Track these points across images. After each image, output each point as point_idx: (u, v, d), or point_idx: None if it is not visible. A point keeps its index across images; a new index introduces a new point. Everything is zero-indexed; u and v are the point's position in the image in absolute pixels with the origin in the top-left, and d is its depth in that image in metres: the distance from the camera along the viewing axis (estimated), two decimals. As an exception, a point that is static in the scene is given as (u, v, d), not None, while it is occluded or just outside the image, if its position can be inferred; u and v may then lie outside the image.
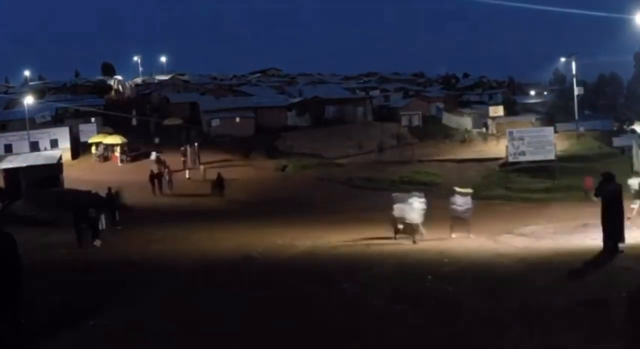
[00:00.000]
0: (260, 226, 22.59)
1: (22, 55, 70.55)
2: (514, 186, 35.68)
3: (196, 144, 45.37)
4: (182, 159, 42.26)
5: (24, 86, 72.63)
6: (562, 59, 58.72)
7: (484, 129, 59.43)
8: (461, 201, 19.02)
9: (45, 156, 37.84)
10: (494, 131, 56.82)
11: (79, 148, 48.93)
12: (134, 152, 47.63)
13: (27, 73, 79.92)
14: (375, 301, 10.02)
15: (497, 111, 62.38)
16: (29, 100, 48.53)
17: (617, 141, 44.70)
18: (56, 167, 33.62)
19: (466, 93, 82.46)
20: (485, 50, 74.04)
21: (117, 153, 46.45)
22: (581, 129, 50.73)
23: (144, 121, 57.85)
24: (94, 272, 13.79)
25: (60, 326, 8.70)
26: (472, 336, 7.90)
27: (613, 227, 13.62)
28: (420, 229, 18.24)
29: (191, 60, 76.75)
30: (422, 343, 7.74)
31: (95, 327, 8.72)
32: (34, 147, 45.33)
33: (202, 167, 40.92)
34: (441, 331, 8.14)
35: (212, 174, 36.76)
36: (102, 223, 20.78)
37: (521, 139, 39.10)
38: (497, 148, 47.32)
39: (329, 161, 47.05)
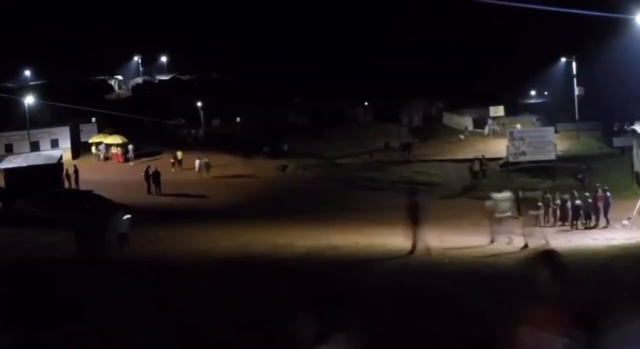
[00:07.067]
0: (260, 226, 22.59)
1: (21, 54, 70.14)
2: (515, 186, 35.65)
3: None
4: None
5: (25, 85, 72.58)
6: (563, 59, 58.61)
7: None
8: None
9: (46, 155, 37.83)
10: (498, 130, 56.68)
11: (80, 148, 48.96)
12: (135, 152, 47.68)
13: (27, 72, 79.62)
14: (376, 302, 10.02)
15: (498, 110, 62.27)
16: (29, 99, 48.52)
17: (617, 141, 44.58)
18: (57, 167, 33.61)
19: (467, 93, 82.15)
20: (485, 49, 73.76)
21: (119, 152, 46.57)
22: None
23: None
24: (93, 271, 13.80)
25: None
26: (473, 335, 7.90)
27: None
28: None
29: (191, 60, 76.53)
30: (423, 342, 7.75)
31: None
32: (35, 147, 45.35)
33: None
34: (442, 330, 8.15)
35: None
36: None
37: (522, 139, 39.04)
38: (498, 148, 47.16)
39: (329, 161, 47.06)
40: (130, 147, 47.07)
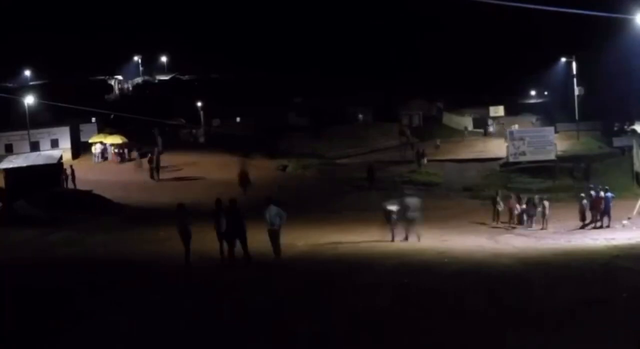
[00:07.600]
0: (260, 226, 22.54)
1: (21, 54, 70.22)
2: (515, 186, 35.66)
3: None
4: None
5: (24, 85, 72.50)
6: (563, 59, 58.57)
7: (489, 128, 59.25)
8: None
9: (46, 155, 37.77)
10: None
11: (80, 148, 48.92)
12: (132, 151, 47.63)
13: (27, 72, 79.52)
14: (376, 301, 10.02)
15: (498, 111, 62.32)
16: (29, 99, 48.48)
17: (617, 141, 44.57)
18: (57, 167, 33.56)
19: (467, 93, 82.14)
20: (485, 49, 73.35)
21: (122, 151, 46.62)
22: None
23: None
24: (92, 272, 13.80)
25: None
26: (473, 335, 7.90)
27: None
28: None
29: (191, 60, 76.21)
30: (423, 342, 7.74)
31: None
32: (35, 147, 45.31)
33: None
34: (442, 330, 8.14)
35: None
36: None
37: (521, 139, 39.06)
38: (498, 148, 47.15)
39: (329, 161, 47.04)
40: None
